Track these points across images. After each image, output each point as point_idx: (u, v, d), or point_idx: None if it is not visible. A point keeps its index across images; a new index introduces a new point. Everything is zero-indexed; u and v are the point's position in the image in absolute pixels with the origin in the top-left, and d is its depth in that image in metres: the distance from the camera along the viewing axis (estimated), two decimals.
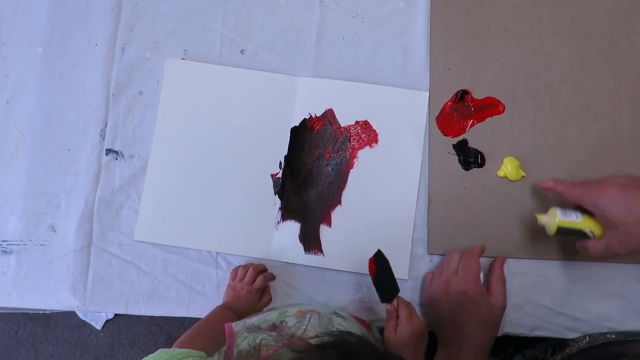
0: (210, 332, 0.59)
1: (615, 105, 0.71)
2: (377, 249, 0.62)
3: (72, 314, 1.32)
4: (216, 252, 0.72)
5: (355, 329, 0.60)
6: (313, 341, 0.41)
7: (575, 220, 0.60)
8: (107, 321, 1.34)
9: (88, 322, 1.33)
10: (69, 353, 1.36)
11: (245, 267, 0.69)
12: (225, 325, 0.52)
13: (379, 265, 0.61)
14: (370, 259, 0.61)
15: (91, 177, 0.74)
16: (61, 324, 1.37)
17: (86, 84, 0.75)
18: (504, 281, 0.64)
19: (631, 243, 0.55)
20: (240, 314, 0.66)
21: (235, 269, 0.70)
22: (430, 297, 0.66)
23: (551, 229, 0.61)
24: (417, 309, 0.68)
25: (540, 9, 0.73)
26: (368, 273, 0.65)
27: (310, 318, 0.56)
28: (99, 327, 1.34)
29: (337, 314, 0.62)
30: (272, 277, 0.71)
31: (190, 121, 0.73)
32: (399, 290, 0.62)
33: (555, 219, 0.61)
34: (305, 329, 0.53)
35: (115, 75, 0.75)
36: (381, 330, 0.73)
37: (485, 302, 0.62)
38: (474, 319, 0.61)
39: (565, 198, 0.61)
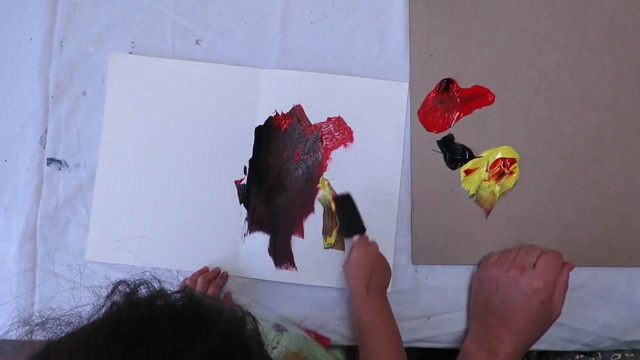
0: None
1: (617, 92, 0.64)
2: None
3: None
4: (177, 270, 0.64)
5: (296, 343, 0.57)
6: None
7: None
8: None
9: None
10: None
11: (193, 278, 0.61)
12: None
13: (342, 204, 0.62)
14: (332, 197, 0.63)
15: (31, 191, 0.65)
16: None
17: (21, 85, 0.66)
18: (566, 289, 0.58)
19: None
20: None
21: (183, 282, 0.62)
22: (488, 276, 0.60)
23: None
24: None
25: None
26: (345, 285, 0.61)
27: None
28: None
29: (277, 327, 0.59)
30: (224, 280, 0.64)
31: (141, 124, 0.65)
32: (364, 230, 0.61)
33: None
34: None
35: (54, 73, 0.66)
36: (348, 353, 0.67)
37: (548, 305, 0.56)
38: (531, 318, 0.56)
39: None
